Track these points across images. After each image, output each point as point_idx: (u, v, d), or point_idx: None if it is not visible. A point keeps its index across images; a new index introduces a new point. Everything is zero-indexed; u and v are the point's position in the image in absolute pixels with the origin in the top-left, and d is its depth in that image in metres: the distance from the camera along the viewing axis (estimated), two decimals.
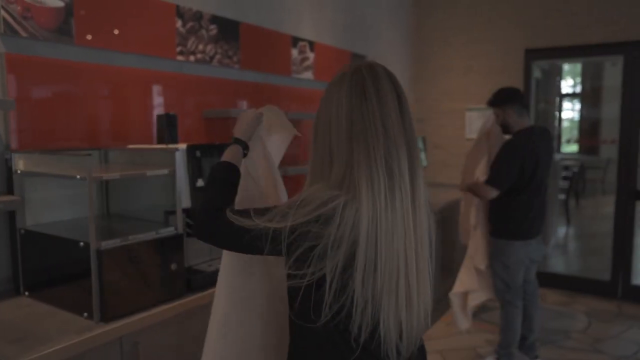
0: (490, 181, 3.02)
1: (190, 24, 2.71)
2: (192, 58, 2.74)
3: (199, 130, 2.82)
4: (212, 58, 2.85)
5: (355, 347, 1.04)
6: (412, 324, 1.06)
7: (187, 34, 2.70)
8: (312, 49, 3.68)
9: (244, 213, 1.12)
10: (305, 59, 3.61)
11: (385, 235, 1.01)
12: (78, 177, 1.73)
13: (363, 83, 1.12)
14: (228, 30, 2.94)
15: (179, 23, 2.65)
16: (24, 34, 2.03)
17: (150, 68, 2.55)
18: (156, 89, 2.59)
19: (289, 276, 1.08)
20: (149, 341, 1.80)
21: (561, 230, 7.28)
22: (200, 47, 2.78)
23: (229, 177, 1.29)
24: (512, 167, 2.99)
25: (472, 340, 3.73)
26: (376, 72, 1.14)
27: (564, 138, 8.33)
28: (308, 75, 3.65)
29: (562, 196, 7.16)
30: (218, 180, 1.27)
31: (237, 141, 1.39)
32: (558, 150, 7.57)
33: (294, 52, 3.50)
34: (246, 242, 1.09)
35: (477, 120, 5.07)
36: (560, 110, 7.76)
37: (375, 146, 1.05)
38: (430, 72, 5.37)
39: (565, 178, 7.24)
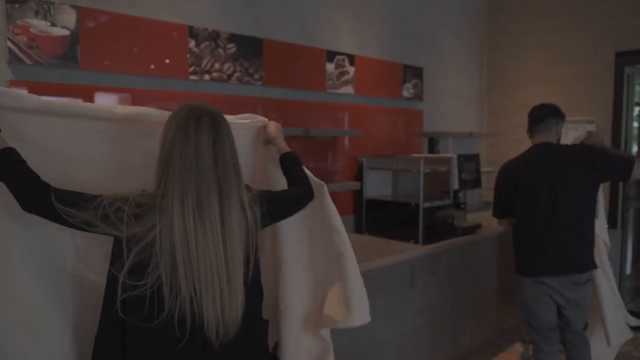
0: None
1: (205, 44, 2.75)
2: (207, 77, 2.77)
3: None
4: (229, 76, 2.86)
5: (180, 336, 1.28)
6: (225, 317, 1.29)
7: (202, 54, 2.74)
8: (352, 63, 3.54)
9: (72, 200, 1.26)
10: (343, 73, 3.49)
11: (197, 252, 1.25)
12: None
13: (187, 126, 1.30)
14: (249, 48, 2.94)
15: (192, 43, 2.70)
16: (28, 62, 2.19)
17: (162, 89, 2.62)
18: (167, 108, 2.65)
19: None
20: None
21: None
22: (217, 65, 2.80)
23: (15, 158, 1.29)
24: (499, 192, 2.79)
25: None
26: (200, 117, 1.31)
27: None
28: (348, 89, 3.52)
29: None
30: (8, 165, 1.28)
31: None
32: None
33: (330, 67, 3.40)
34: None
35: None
36: None
37: (188, 183, 1.27)
38: (505, 82, 4.91)
39: None
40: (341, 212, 3.42)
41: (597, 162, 2.55)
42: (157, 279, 1.25)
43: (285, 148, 1.73)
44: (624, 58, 4.19)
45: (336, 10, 3.46)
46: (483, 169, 4.86)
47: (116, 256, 1.29)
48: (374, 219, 3.53)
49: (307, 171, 1.75)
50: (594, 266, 2.65)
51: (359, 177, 3.57)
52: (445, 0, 4.43)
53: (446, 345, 3.38)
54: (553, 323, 2.67)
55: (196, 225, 1.25)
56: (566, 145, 2.73)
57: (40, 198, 1.24)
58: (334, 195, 3.26)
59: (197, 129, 1.29)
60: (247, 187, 1.45)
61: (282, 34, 3.14)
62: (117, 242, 1.28)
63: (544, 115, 2.73)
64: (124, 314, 1.29)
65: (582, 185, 2.55)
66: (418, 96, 4.11)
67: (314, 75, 3.32)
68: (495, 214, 2.88)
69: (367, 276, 2.73)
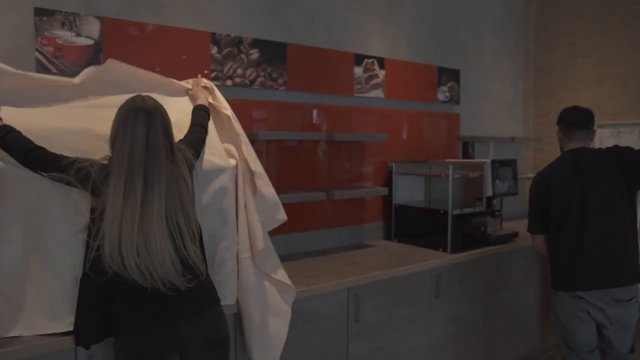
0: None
1: (227, 50, 2.79)
2: (229, 82, 2.80)
3: None
4: (252, 81, 2.88)
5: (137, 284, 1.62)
6: (153, 272, 1.61)
7: (224, 60, 2.78)
8: (382, 66, 3.47)
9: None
10: (373, 76, 3.43)
11: (122, 219, 1.58)
12: None
13: (127, 120, 1.64)
14: (272, 53, 2.95)
15: (214, 50, 2.74)
16: (54, 70, 2.30)
17: None
18: None
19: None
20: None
21: None
22: (239, 71, 2.83)
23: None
24: (533, 205, 2.61)
25: None
26: (137, 112, 1.65)
27: None
28: (377, 93, 3.46)
29: None
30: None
31: None
32: None
33: (358, 71, 3.35)
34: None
35: (610, 139, 4.22)
36: None
37: (121, 167, 1.61)
38: (553, 84, 4.65)
39: None
40: (371, 218, 3.42)
41: (629, 162, 2.39)
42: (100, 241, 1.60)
43: (200, 102, 2.16)
44: None
45: (365, 14, 3.41)
46: (526, 174, 4.64)
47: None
48: (404, 225, 3.44)
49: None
50: (638, 280, 2.43)
51: (388, 182, 3.49)
52: (485, 1, 4.27)
53: (477, 359, 3.24)
54: (592, 344, 2.48)
55: (124, 202, 1.59)
56: (598, 149, 2.57)
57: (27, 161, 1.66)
58: (361, 200, 3.25)
59: (134, 122, 1.62)
60: (185, 149, 1.81)
61: (308, 38, 3.13)
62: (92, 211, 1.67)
63: (587, 122, 2.58)
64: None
65: (616, 190, 2.40)
66: (454, 99, 3.97)
67: (341, 80, 3.29)
68: (530, 229, 2.70)
69: (388, 284, 2.69)
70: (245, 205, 2.16)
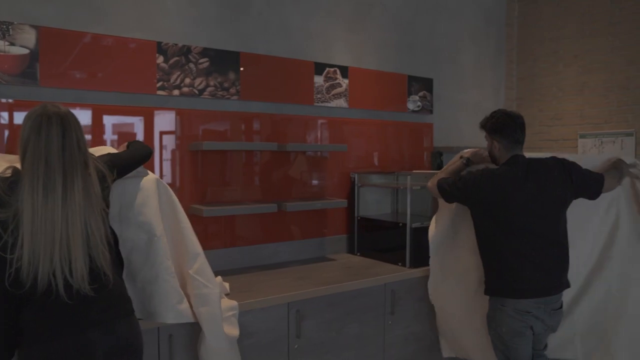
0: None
1: (174, 59, 2.75)
2: (176, 92, 2.76)
3: (182, 162, 2.80)
4: (202, 91, 2.84)
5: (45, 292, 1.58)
6: (72, 273, 1.59)
7: (171, 69, 2.74)
8: (345, 75, 3.40)
9: None
10: (335, 85, 3.35)
11: (42, 223, 1.55)
12: None
13: (40, 126, 1.59)
14: (224, 62, 2.90)
15: (160, 59, 2.71)
16: None
17: (127, 104, 2.64)
18: (133, 123, 2.67)
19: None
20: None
21: None
22: (187, 80, 2.79)
23: None
24: (469, 188, 2.45)
25: None
26: (50, 117, 1.60)
27: None
28: (340, 103, 3.38)
29: None
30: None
31: None
32: None
33: (319, 80, 3.28)
34: None
35: (592, 150, 4.07)
36: None
37: (37, 171, 1.56)
38: (536, 93, 4.51)
39: None
40: (333, 231, 3.33)
41: (573, 177, 2.37)
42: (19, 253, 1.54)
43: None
44: None
45: (328, 22, 3.35)
46: None
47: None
48: (366, 239, 3.34)
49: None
50: (569, 286, 2.47)
51: (351, 194, 3.40)
52: (463, 9, 4.17)
53: None
54: (530, 356, 2.45)
55: (43, 203, 1.55)
56: (545, 159, 2.47)
57: None
58: (322, 213, 3.16)
59: (48, 127, 1.58)
60: (98, 160, 1.80)
61: (265, 47, 3.07)
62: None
63: (524, 125, 2.50)
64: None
65: (560, 200, 2.40)
66: (427, 109, 3.87)
67: (301, 89, 3.22)
68: (444, 191, 2.53)
69: (334, 300, 2.59)
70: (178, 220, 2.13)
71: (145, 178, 2.06)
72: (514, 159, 2.40)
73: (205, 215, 2.66)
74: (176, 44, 2.75)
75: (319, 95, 3.28)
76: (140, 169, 2.06)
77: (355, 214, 3.37)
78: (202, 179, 2.86)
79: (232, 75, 2.93)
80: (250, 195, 3.03)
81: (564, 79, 4.28)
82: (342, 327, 2.68)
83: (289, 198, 3.16)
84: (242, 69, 2.97)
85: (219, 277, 2.45)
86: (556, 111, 4.35)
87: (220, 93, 2.90)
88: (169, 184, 2.73)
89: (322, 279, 2.75)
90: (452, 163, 2.74)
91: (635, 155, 3.81)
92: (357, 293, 2.72)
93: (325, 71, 3.31)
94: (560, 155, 2.52)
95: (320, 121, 3.30)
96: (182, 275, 2.10)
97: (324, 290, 2.58)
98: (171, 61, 2.74)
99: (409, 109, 3.75)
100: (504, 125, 2.43)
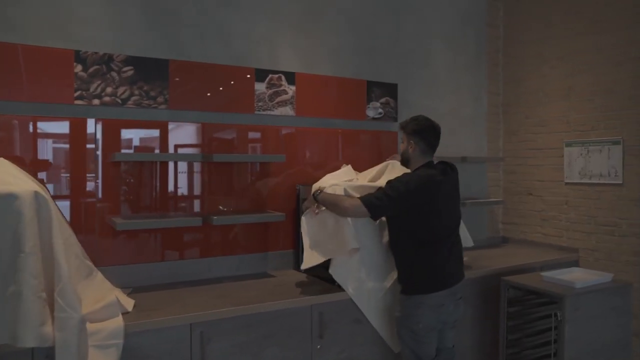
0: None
1: (94, 68, 2.67)
2: (96, 102, 2.68)
3: (105, 173, 2.72)
4: (125, 100, 2.75)
5: None
6: None
7: (90, 78, 2.67)
8: (291, 82, 3.24)
9: None
10: (280, 92, 3.20)
11: None
12: None
13: None
14: (150, 70, 2.80)
15: (78, 68, 2.64)
16: None
17: (43, 114, 2.58)
18: (52, 133, 2.61)
19: None
20: None
21: None
22: (109, 90, 2.71)
23: None
24: (405, 198, 2.48)
25: None
26: None
27: None
28: (286, 110, 3.22)
29: None
30: None
31: None
32: None
33: (260, 87, 3.13)
34: None
35: (579, 160, 3.72)
36: None
37: None
38: (522, 98, 4.18)
39: None
40: (276, 246, 3.16)
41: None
42: None
43: None
44: None
45: (273, 26, 3.20)
46: (497, 197, 4.23)
47: None
48: None
49: None
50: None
51: (298, 207, 3.22)
52: (434, 10, 3.92)
53: None
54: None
55: None
56: (449, 162, 2.65)
57: None
58: (265, 226, 3.00)
59: None
60: None
61: (201, 54, 2.96)
62: None
63: (440, 134, 2.60)
64: None
65: (459, 198, 2.67)
66: (390, 116, 3.64)
67: (240, 97, 3.08)
68: (372, 209, 2.44)
69: (249, 321, 2.42)
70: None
71: (22, 190, 1.98)
72: (430, 163, 2.54)
73: (119, 228, 2.56)
74: (97, 52, 2.68)
75: (260, 104, 3.14)
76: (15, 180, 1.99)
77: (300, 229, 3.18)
78: (127, 191, 2.77)
79: (159, 84, 2.83)
80: (181, 208, 2.92)
81: (550, 83, 3.95)
82: (259, 351, 2.50)
83: (226, 211, 3.02)
84: (172, 77, 2.86)
85: (118, 292, 2.34)
86: (542, 117, 4.02)
87: (146, 102, 2.80)
88: (89, 196, 2.66)
89: (243, 298, 2.58)
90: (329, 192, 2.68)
91: (623, 167, 3.44)
92: (280, 314, 2.53)
93: (269, 78, 3.16)
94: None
95: (261, 130, 3.15)
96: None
97: (236, 311, 2.41)
98: (91, 70, 2.67)
99: (368, 116, 3.54)
100: (425, 130, 2.52)
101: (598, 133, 3.60)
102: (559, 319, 2.68)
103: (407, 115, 3.75)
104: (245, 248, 3.11)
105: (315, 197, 2.65)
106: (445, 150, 3.91)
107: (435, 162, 2.57)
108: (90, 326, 2.03)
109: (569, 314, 2.68)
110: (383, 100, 3.60)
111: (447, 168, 2.55)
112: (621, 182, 3.46)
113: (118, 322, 2.12)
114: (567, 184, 3.80)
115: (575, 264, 3.70)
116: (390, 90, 3.62)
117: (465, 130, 4.12)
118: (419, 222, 2.45)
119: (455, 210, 2.59)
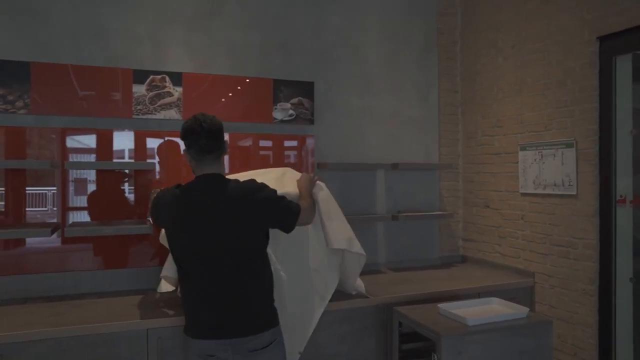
0: None
1: None
2: None
3: None
4: None
5: None
6: None
7: None
8: (178, 83, 2.98)
9: None
10: (163, 95, 2.95)
11: None
12: None
13: None
14: (7, 73, 2.68)
15: None
16: None
17: None
18: None
19: None
20: None
21: None
22: None
23: None
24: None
25: None
26: None
27: None
28: (170, 114, 2.97)
29: None
30: None
31: None
32: None
33: (140, 89, 2.91)
34: None
35: (533, 166, 3.11)
36: None
37: None
38: (478, 95, 3.61)
39: None
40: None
41: (266, 206, 1.96)
42: None
43: None
44: (611, 44, 2.67)
45: (160, 23, 2.98)
46: (455, 210, 3.70)
47: None
48: None
49: None
50: (270, 326, 1.99)
51: None
52: None
53: None
54: None
55: None
56: (237, 182, 1.97)
57: None
58: (151, 240, 2.78)
59: None
60: None
61: (73, 55, 2.80)
62: None
63: (220, 136, 1.98)
64: None
65: (250, 230, 1.94)
66: (305, 118, 3.26)
67: (115, 100, 2.88)
68: None
69: (69, 345, 2.19)
70: None
71: None
72: (201, 178, 1.97)
73: None
74: None
75: (139, 107, 2.91)
76: None
77: None
78: None
79: (18, 87, 2.70)
80: (38, 219, 2.76)
81: (503, 76, 3.36)
82: None
83: (88, 223, 2.82)
84: (34, 80, 2.72)
85: None
86: (497, 117, 3.43)
87: (3, 107, 2.68)
88: None
89: (79, 318, 2.35)
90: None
91: (577, 173, 2.81)
92: (107, 338, 2.27)
93: (149, 79, 2.93)
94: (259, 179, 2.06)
95: (135, 136, 2.91)
96: None
97: (46, 333, 2.19)
98: None
99: (275, 118, 3.19)
100: (188, 130, 1.94)
101: (552, 134, 2.98)
102: None
103: (328, 117, 3.38)
104: (131, 262, 2.90)
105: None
106: (374, 156, 3.46)
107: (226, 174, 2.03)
108: None
109: (448, 358, 2.15)
110: (295, 100, 3.23)
111: (222, 185, 1.93)
112: (575, 193, 2.82)
113: None
114: (522, 194, 3.19)
115: (530, 291, 3.09)
116: (304, 89, 3.25)
117: (410, 134, 3.61)
118: (170, 244, 2.02)
119: (219, 237, 1.90)
